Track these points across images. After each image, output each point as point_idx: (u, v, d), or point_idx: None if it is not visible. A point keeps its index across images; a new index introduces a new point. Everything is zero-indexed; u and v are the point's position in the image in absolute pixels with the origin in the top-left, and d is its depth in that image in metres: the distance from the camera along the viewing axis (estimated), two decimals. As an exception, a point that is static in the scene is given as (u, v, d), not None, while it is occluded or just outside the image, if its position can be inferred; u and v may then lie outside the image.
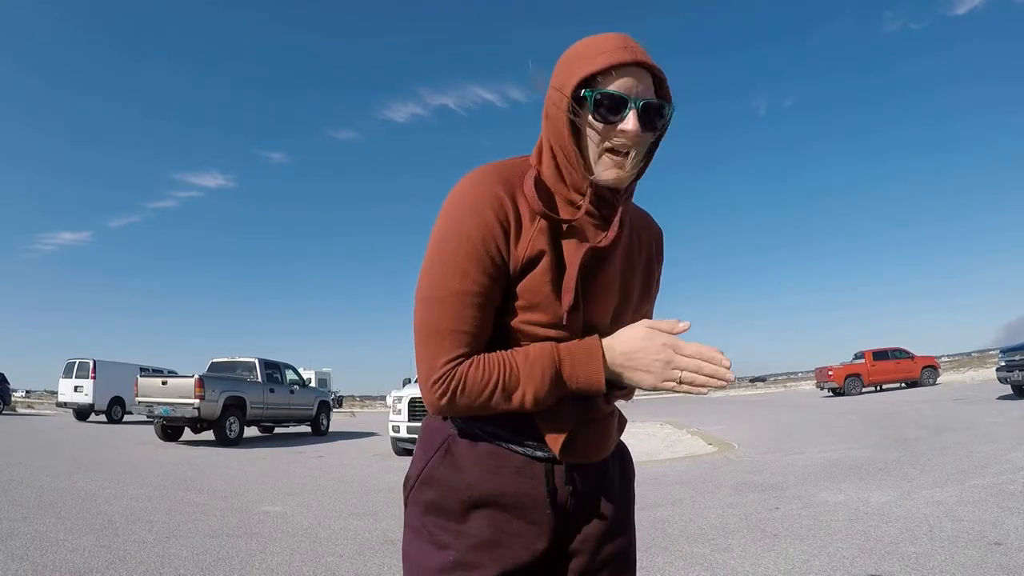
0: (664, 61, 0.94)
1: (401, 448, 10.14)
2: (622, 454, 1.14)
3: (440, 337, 0.90)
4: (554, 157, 0.96)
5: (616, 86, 0.89)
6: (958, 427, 9.22)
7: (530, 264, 0.92)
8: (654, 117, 0.92)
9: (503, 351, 0.92)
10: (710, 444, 10.22)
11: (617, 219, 0.97)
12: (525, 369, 0.90)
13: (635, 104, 0.89)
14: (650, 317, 1.12)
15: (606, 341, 0.93)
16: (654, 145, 0.98)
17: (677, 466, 7.81)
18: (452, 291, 0.89)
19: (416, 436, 10.85)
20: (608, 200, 0.97)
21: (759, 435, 11.18)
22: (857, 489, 5.43)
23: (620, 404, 1.13)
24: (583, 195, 0.95)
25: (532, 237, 0.92)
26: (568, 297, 0.92)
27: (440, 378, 0.89)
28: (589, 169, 0.94)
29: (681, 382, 0.89)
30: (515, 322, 0.93)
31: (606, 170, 0.93)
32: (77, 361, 18.66)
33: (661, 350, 0.90)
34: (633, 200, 1.06)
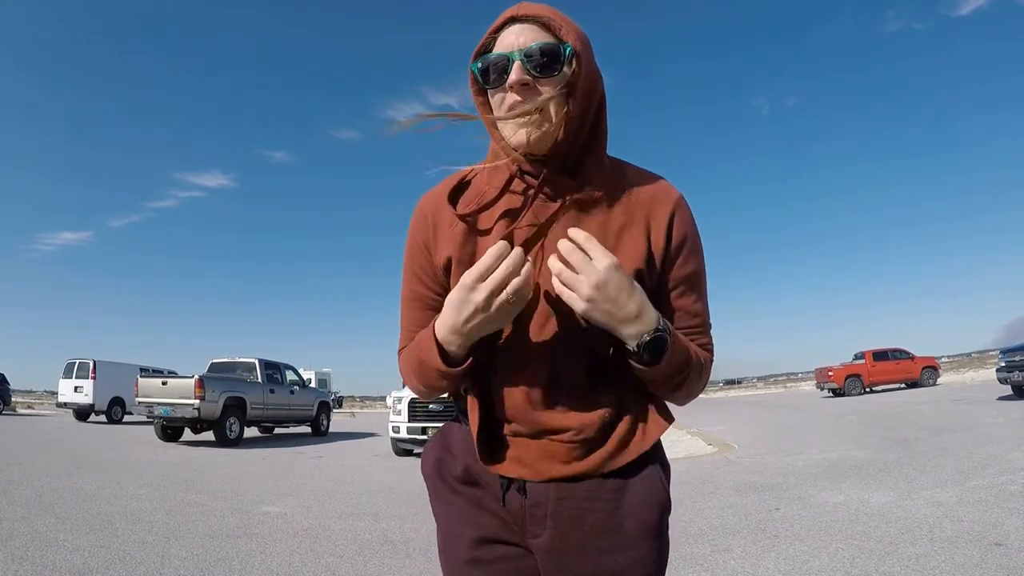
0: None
1: (401, 448, 10.08)
2: (640, 485, 0.93)
3: (401, 332, 1.05)
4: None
5: (495, 50, 0.88)
6: (958, 428, 9.22)
7: (446, 269, 0.97)
8: (543, 62, 0.85)
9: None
10: (710, 444, 10.22)
11: (533, 196, 0.90)
12: (417, 353, 0.96)
13: (515, 56, 0.85)
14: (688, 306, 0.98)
15: None
16: (575, 98, 0.87)
17: (677, 467, 7.77)
18: (403, 297, 1.04)
19: (415, 436, 10.69)
20: (550, 177, 0.90)
21: (759, 436, 11.19)
22: (857, 489, 5.43)
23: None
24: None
25: (441, 245, 0.96)
26: None
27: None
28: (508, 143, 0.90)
29: (477, 310, 0.82)
30: None
31: (513, 135, 0.87)
32: (77, 361, 18.66)
33: (460, 287, 0.84)
34: (597, 167, 0.94)
